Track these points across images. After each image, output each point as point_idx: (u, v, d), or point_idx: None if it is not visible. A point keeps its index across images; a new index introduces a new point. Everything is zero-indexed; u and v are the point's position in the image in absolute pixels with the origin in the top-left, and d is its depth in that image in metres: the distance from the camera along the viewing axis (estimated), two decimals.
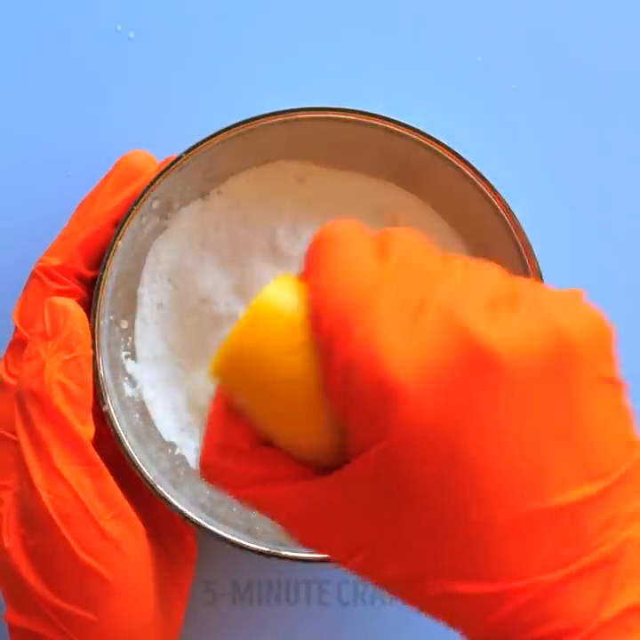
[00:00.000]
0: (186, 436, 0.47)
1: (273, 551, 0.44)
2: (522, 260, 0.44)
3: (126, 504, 0.41)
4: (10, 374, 0.43)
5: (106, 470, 0.41)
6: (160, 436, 0.46)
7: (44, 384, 0.40)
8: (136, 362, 0.47)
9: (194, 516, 0.44)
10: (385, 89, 0.50)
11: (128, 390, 0.46)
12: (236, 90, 0.50)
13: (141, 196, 0.43)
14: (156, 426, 0.47)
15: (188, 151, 0.43)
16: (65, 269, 0.43)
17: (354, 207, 0.47)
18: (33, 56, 0.49)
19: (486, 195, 0.44)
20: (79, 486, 0.40)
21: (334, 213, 0.46)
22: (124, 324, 0.46)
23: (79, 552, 0.39)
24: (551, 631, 0.28)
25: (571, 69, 0.50)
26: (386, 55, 0.50)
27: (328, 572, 0.49)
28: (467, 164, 0.44)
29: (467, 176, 0.44)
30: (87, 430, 0.41)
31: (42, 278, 0.43)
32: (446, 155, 0.44)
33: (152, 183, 0.43)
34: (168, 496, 0.44)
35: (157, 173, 0.43)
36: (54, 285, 0.43)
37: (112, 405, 0.44)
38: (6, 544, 0.40)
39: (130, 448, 0.43)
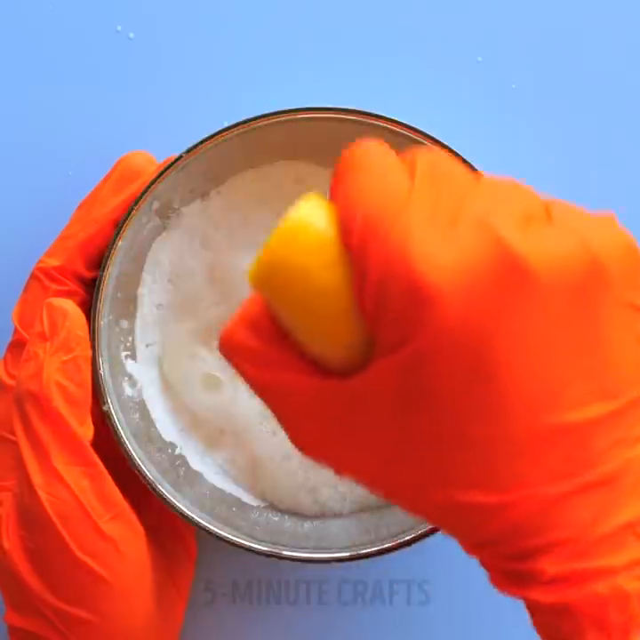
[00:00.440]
0: (186, 436, 0.47)
1: (273, 551, 0.44)
2: None
3: (125, 505, 0.41)
4: (9, 375, 0.43)
5: (105, 471, 0.41)
6: (160, 436, 0.46)
7: (42, 385, 0.40)
8: (136, 362, 0.47)
9: (194, 516, 0.44)
10: (385, 89, 0.49)
11: (128, 390, 0.46)
12: (236, 90, 0.50)
13: (141, 196, 0.43)
14: (156, 426, 0.47)
15: (188, 151, 0.43)
16: (64, 270, 0.43)
17: None
18: (33, 56, 0.49)
19: None
20: (78, 487, 0.40)
21: None
22: (124, 324, 0.46)
23: (78, 553, 0.39)
24: (548, 541, 0.29)
25: (571, 69, 0.50)
26: (386, 55, 0.50)
27: (328, 572, 0.49)
28: (465, 162, 0.43)
29: None
30: (86, 431, 0.40)
31: (41, 279, 0.43)
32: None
33: (152, 183, 0.43)
34: (168, 496, 0.44)
35: (157, 173, 0.43)
36: (54, 286, 0.43)
37: (112, 405, 0.44)
38: (6, 545, 0.40)
39: (130, 448, 0.43)
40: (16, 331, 0.43)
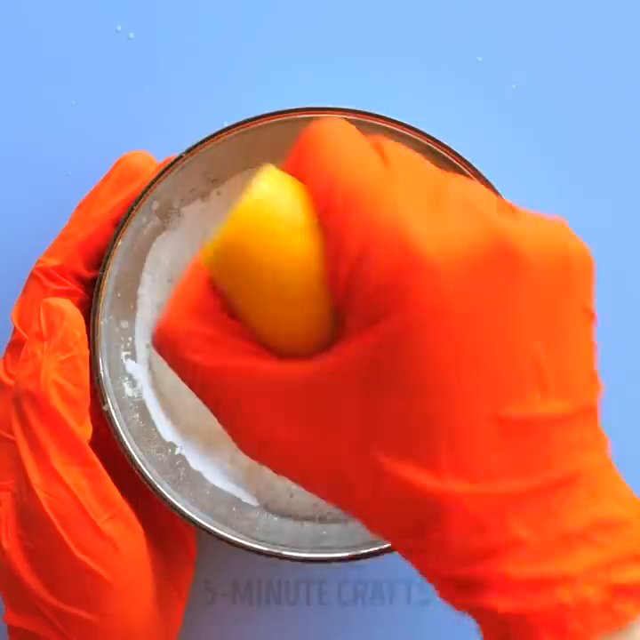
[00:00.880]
0: (186, 436, 0.47)
1: (273, 551, 0.44)
2: None
3: (124, 504, 0.41)
4: (9, 375, 0.43)
5: (103, 471, 0.41)
6: (160, 435, 0.46)
7: (40, 384, 0.40)
8: (136, 362, 0.47)
9: (194, 516, 0.44)
10: (385, 89, 0.49)
11: (128, 390, 0.46)
12: (236, 90, 0.49)
13: (141, 196, 0.43)
14: (156, 426, 0.47)
15: (188, 151, 0.44)
16: (64, 270, 0.43)
17: None
18: (33, 56, 0.49)
19: None
20: (76, 487, 0.40)
21: None
22: (124, 324, 0.46)
23: (77, 553, 0.39)
24: (506, 541, 0.28)
25: (571, 69, 0.50)
26: (386, 55, 0.50)
27: (328, 572, 0.49)
28: (463, 161, 0.43)
29: (466, 175, 0.44)
30: (84, 430, 0.40)
31: (41, 279, 0.43)
32: (445, 154, 0.43)
33: (152, 183, 0.43)
34: (168, 496, 0.44)
35: (157, 173, 0.43)
36: (53, 286, 0.43)
37: (112, 405, 0.44)
38: (5, 545, 0.40)
39: (130, 448, 0.43)
40: (15, 330, 0.43)
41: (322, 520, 0.46)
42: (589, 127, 0.50)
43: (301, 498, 0.46)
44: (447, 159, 0.43)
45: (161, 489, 0.44)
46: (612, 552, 0.28)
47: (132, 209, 0.43)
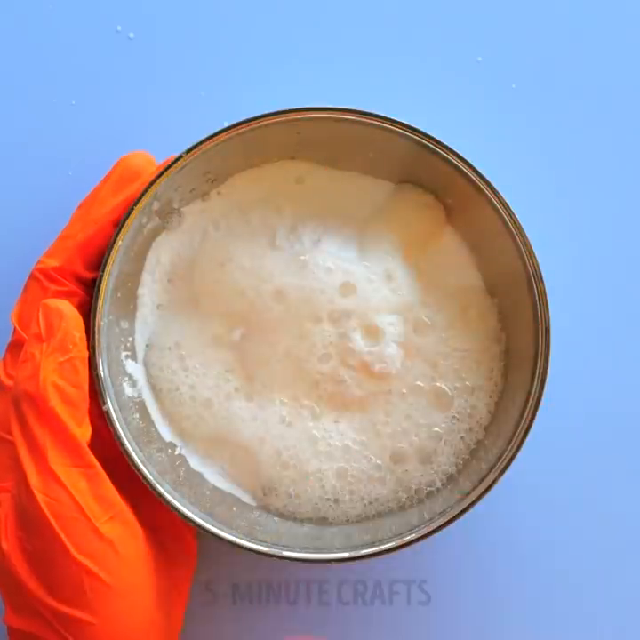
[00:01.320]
0: (186, 436, 0.47)
1: (273, 551, 0.44)
2: (522, 260, 0.43)
3: (123, 505, 0.41)
4: (8, 376, 0.43)
5: (102, 472, 0.41)
6: (160, 436, 0.46)
7: (39, 386, 0.40)
8: (136, 362, 0.47)
9: (194, 516, 0.44)
10: (385, 89, 0.49)
11: (128, 390, 0.46)
12: (236, 90, 0.50)
13: (141, 196, 0.43)
14: (156, 426, 0.47)
15: (188, 151, 0.43)
16: (64, 271, 0.43)
17: (354, 207, 0.47)
18: (33, 56, 0.49)
19: (487, 195, 0.44)
20: (75, 488, 0.40)
21: (334, 213, 0.47)
22: (124, 324, 0.46)
23: (76, 554, 0.39)
24: None
25: (571, 69, 0.50)
26: (386, 55, 0.50)
27: (328, 572, 0.49)
28: (462, 159, 0.43)
29: (466, 175, 0.44)
30: (84, 431, 0.40)
31: (40, 280, 0.43)
32: (445, 153, 0.43)
33: (152, 183, 0.43)
34: (168, 496, 0.44)
35: (157, 174, 0.43)
36: (53, 287, 0.43)
37: (112, 405, 0.44)
38: (4, 547, 0.40)
39: (130, 448, 0.43)
40: (15, 331, 0.43)
41: (321, 521, 0.46)
42: (589, 127, 0.50)
43: (301, 498, 0.46)
44: (447, 159, 0.43)
45: (161, 489, 0.44)
46: None
47: (132, 209, 0.43)
